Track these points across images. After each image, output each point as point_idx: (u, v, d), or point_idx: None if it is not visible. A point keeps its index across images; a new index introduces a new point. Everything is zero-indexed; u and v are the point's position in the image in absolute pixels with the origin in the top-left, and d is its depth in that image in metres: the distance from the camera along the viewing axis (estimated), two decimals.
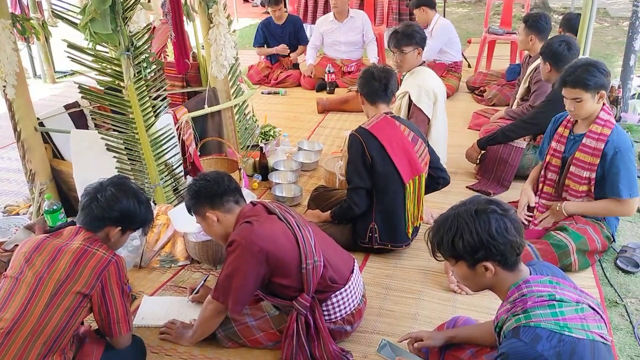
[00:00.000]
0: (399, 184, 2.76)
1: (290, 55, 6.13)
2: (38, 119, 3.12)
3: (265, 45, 6.22)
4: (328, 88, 5.68)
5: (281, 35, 6.15)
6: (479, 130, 4.38)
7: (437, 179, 3.01)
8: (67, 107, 3.38)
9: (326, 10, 7.01)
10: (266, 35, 6.18)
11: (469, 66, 6.45)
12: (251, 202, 2.28)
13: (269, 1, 5.96)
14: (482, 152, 3.73)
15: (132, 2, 2.62)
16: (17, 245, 2.83)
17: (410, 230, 2.87)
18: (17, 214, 3.39)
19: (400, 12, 7.10)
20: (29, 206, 3.37)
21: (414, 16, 7.11)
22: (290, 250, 2.12)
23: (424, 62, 3.62)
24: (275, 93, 5.76)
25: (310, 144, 4.16)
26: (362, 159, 2.71)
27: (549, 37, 3.80)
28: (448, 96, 5.28)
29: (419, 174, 2.79)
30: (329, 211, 2.96)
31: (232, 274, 2.07)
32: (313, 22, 7.19)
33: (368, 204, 2.81)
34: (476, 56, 6.13)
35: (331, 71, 5.65)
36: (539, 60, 4.05)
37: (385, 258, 2.94)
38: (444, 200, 3.40)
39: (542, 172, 2.95)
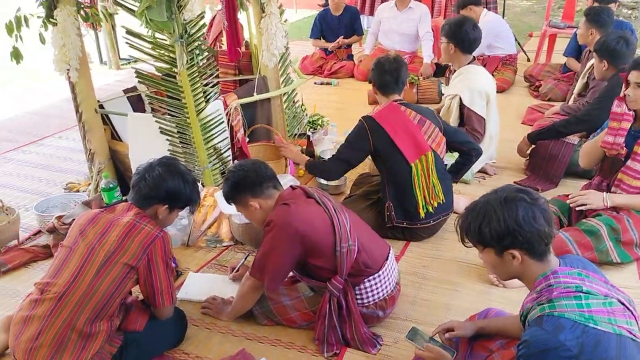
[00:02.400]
0: (405, 164, 2.83)
1: (344, 40, 6.11)
2: (98, 101, 3.29)
3: (321, 38, 6.28)
4: None
5: (337, 27, 6.18)
6: (532, 125, 4.29)
7: (467, 152, 3.04)
8: (125, 91, 3.56)
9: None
10: (323, 27, 6.25)
11: (528, 60, 6.30)
12: (290, 186, 2.35)
13: None
14: (533, 146, 3.66)
15: None
16: (74, 219, 3.04)
17: (424, 210, 2.87)
18: (77, 191, 3.61)
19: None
20: (89, 184, 3.57)
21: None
22: (325, 233, 2.18)
23: (474, 58, 3.59)
24: (327, 84, 5.82)
25: None
26: (361, 144, 2.88)
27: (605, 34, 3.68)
28: (503, 90, 5.24)
29: (424, 152, 2.83)
30: (307, 159, 3.16)
31: (269, 252, 2.16)
32: (371, 13, 7.19)
33: (340, 177, 3.18)
34: (535, 50, 5.98)
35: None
36: None
37: (423, 249, 2.95)
38: None
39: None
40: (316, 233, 2.17)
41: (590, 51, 4.20)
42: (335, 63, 6.08)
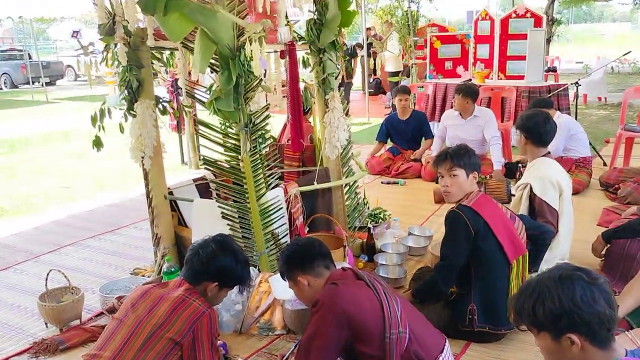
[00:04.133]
0: (504, 262, 2.64)
1: (415, 152, 6.24)
2: (168, 188, 3.47)
3: (387, 141, 6.43)
4: None
5: (404, 130, 6.31)
6: (608, 227, 4.05)
7: (541, 236, 2.90)
8: (195, 180, 3.74)
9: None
10: (389, 130, 6.41)
11: (605, 164, 6.09)
12: (342, 268, 2.31)
13: (397, 90, 6.20)
14: (607, 246, 3.44)
15: (254, 84, 2.92)
16: None
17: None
18: (143, 276, 3.71)
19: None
20: (153, 270, 3.67)
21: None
22: (374, 317, 2.09)
23: (549, 152, 3.51)
24: (394, 183, 5.85)
25: (421, 230, 4.12)
26: (464, 234, 2.64)
27: None
28: (578, 192, 5.04)
29: (523, 253, 2.66)
30: (409, 290, 2.88)
31: (314, 334, 2.08)
32: (439, 120, 7.32)
33: (454, 284, 2.75)
34: (611, 155, 5.80)
35: (437, 166, 5.62)
36: None
37: (487, 348, 2.75)
38: None
39: None
40: (364, 315, 2.09)
41: None
42: (402, 164, 6.14)
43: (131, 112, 3.20)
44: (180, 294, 2.17)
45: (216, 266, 2.22)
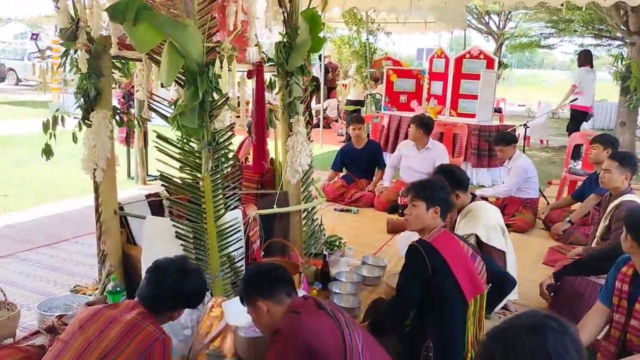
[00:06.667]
0: (460, 301, 2.63)
1: (368, 186, 6.29)
2: (119, 204, 3.32)
3: (342, 169, 6.46)
4: (400, 210, 5.69)
5: (359, 159, 6.37)
6: (554, 266, 4.16)
7: (502, 282, 2.89)
8: (147, 196, 3.60)
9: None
10: (344, 159, 6.45)
11: (548, 204, 6.31)
12: (303, 296, 2.25)
13: (351, 119, 6.27)
14: (557, 283, 3.53)
15: (220, 102, 2.86)
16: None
17: (470, 355, 2.68)
18: (84, 294, 3.52)
19: (479, 148, 7.21)
20: (96, 289, 3.49)
21: (494, 152, 7.25)
22: (335, 349, 2.03)
23: (475, 196, 3.62)
24: (347, 211, 5.85)
25: (375, 259, 4.11)
26: (421, 270, 2.63)
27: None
28: (524, 231, 5.21)
29: (481, 292, 2.67)
30: (365, 322, 2.85)
31: None
32: (392, 150, 7.42)
33: (407, 318, 2.73)
34: (555, 196, 6.01)
35: (405, 194, 5.69)
36: (620, 199, 3.91)
37: None
38: None
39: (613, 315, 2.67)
40: (325, 348, 2.02)
41: (610, 195, 4.17)
42: (356, 192, 6.16)
43: (86, 121, 3.06)
44: (133, 317, 2.05)
45: (186, 293, 2.16)
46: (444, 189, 2.91)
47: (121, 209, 3.32)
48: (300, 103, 3.45)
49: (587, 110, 8.99)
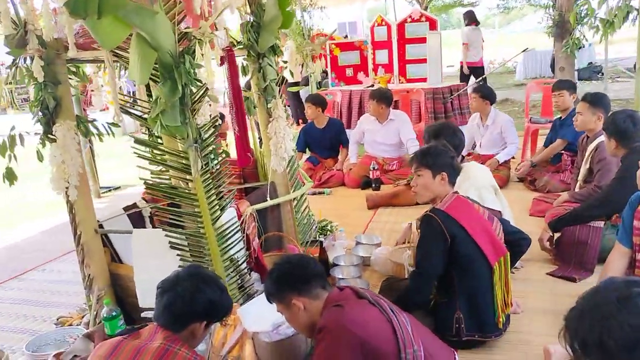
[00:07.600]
0: (485, 266, 2.55)
1: (336, 165, 6.16)
2: (98, 221, 3.03)
3: (306, 151, 6.27)
4: (373, 185, 5.58)
5: (322, 139, 6.21)
6: (543, 216, 4.17)
7: (517, 242, 2.84)
8: (125, 209, 3.31)
9: (361, 114, 7.10)
10: (307, 140, 6.27)
11: (513, 158, 6.37)
12: (338, 287, 2.09)
13: (306, 100, 6.11)
14: (557, 235, 3.52)
15: (200, 94, 2.61)
16: (76, 356, 2.64)
17: (502, 320, 2.61)
18: (71, 325, 3.21)
19: (435, 110, 7.18)
20: (82, 317, 3.20)
21: (450, 114, 7.25)
22: (386, 337, 1.90)
23: (464, 157, 3.56)
24: (320, 193, 5.69)
25: (368, 238, 3.98)
26: (440, 240, 2.52)
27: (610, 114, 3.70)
28: (501, 187, 5.19)
29: (504, 254, 2.59)
30: None
31: None
32: (349, 127, 7.28)
33: (430, 293, 2.63)
34: (521, 147, 6.07)
35: (375, 168, 5.59)
36: (597, 140, 3.94)
37: (474, 353, 2.64)
38: (525, 288, 3.21)
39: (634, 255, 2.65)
40: (377, 338, 1.88)
41: (587, 137, 4.20)
42: (324, 173, 6.00)
43: (49, 136, 2.74)
44: (160, 344, 1.83)
45: (202, 303, 1.92)
46: (447, 153, 2.80)
47: (101, 227, 3.03)
48: (276, 85, 3.24)
49: (477, 65, 9.86)
